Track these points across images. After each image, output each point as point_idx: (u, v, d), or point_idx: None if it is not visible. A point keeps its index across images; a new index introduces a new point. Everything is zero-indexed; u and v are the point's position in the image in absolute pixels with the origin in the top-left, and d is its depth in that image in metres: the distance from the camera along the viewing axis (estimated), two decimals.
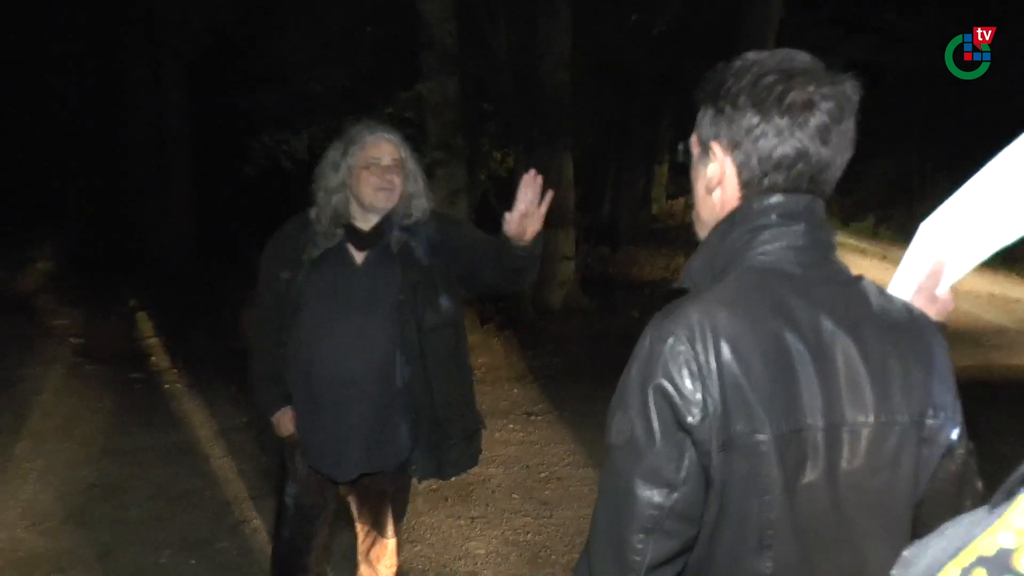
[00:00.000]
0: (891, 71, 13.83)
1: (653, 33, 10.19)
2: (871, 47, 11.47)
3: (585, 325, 8.69)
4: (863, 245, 14.99)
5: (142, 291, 9.51)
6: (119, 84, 12.28)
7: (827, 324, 1.03)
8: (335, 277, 2.44)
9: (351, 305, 2.42)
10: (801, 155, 1.04)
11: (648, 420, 0.98)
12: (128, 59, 11.99)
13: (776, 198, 1.06)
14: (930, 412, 1.08)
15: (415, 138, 6.35)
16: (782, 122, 1.03)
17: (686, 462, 0.98)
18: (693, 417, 0.97)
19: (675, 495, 0.98)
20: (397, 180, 2.42)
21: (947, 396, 1.10)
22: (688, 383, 0.98)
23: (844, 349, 1.04)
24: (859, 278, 1.12)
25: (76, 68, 12.27)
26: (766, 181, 1.06)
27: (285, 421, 2.52)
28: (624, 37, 9.86)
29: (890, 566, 1.03)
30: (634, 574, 0.99)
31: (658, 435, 0.98)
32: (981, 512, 0.58)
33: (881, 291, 1.13)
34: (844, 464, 1.03)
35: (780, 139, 1.04)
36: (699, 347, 0.98)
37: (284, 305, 2.46)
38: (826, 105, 1.03)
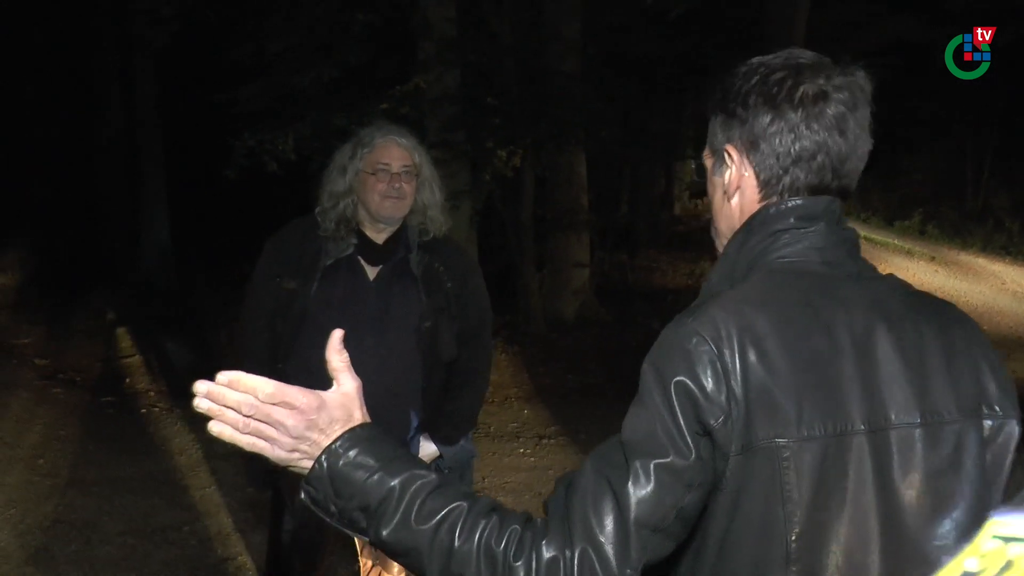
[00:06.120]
0: (941, 49, 13.80)
1: (671, 15, 10.20)
2: (918, 24, 11.46)
3: (601, 338, 8.69)
4: (909, 245, 14.88)
5: (114, 306, 9.55)
6: (86, 79, 12.38)
7: (858, 321, 1.07)
8: (345, 291, 2.45)
9: (362, 323, 2.42)
10: (820, 147, 1.11)
11: (673, 418, 1.02)
12: (95, 50, 12.09)
13: (794, 201, 1.12)
14: (985, 410, 1.09)
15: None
16: (796, 116, 1.10)
17: (703, 464, 1.03)
18: (715, 419, 1.02)
19: (688, 497, 1.02)
20: (408, 188, 2.44)
21: (1001, 391, 1.11)
22: (711, 384, 1.02)
23: (879, 346, 1.07)
24: (888, 275, 1.18)
25: (37, 61, 12.37)
26: (787, 178, 1.12)
27: None
28: (639, 19, 9.88)
29: None
30: (632, 571, 1.01)
31: (683, 433, 1.02)
32: None
33: (910, 287, 1.18)
34: (897, 471, 1.05)
35: (796, 133, 1.11)
36: (724, 347, 1.03)
37: (288, 317, 2.46)
38: (839, 95, 1.10)
